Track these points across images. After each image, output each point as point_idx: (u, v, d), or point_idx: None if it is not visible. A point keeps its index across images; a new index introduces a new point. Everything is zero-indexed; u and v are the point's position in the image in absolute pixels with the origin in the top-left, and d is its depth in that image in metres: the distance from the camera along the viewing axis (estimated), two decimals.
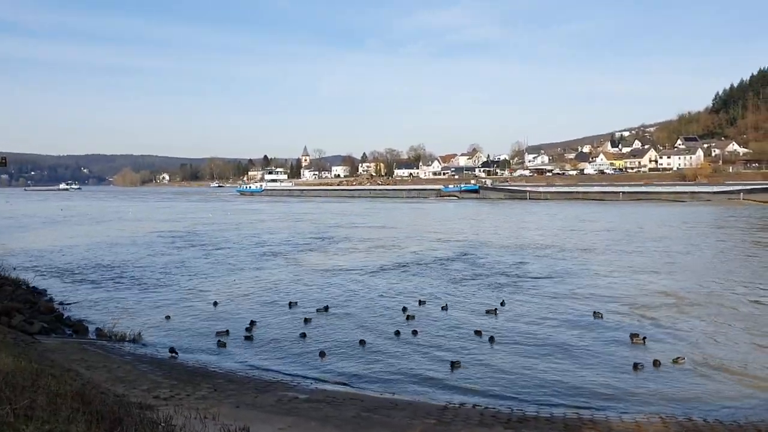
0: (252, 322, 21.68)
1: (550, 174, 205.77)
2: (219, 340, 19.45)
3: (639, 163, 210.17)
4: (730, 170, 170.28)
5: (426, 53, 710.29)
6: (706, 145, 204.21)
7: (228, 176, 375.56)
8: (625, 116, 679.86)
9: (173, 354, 18.17)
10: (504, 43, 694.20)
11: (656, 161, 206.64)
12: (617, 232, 55.03)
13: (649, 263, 35.97)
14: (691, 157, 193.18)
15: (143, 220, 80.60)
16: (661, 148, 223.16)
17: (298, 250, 44.28)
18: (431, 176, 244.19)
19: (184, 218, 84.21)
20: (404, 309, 23.31)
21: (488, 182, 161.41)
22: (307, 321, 21.89)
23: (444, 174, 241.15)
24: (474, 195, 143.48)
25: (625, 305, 24.10)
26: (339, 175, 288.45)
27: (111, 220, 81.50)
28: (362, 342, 18.85)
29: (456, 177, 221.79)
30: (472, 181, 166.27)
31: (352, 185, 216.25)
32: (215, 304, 25.12)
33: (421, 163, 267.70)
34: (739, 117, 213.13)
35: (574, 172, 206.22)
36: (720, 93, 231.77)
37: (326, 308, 24.10)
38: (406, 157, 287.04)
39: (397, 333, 19.93)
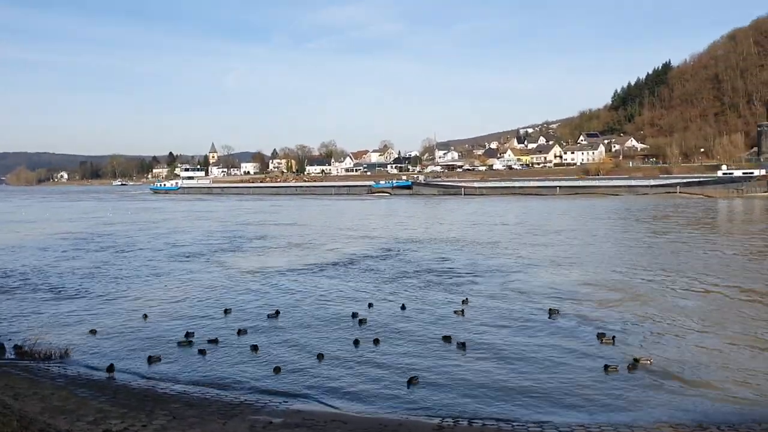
0: (188, 333, 19.85)
1: (461, 170, 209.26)
2: (150, 356, 17.54)
3: (545, 158, 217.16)
4: (630, 165, 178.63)
5: (333, 49, 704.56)
6: (606, 141, 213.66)
7: (131, 174, 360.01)
8: (530, 113, 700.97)
9: (112, 374, 16.22)
10: (408, 40, 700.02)
11: (561, 157, 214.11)
12: (553, 225, 55.88)
13: (588, 255, 36.39)
14: (593, 153, 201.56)
15: (46, 222, 74.98)
16: (565, 144, 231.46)
17: (226, 252, 42.07)
18: (344, 173, 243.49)
19: (89, 218, 79.03)
20: (354, 314, 21.88)
21: (421, 178, 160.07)
22: (249, 331, 20.26)
23: (356, 170, 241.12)
24: (407, 191, 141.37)
25: (576, 300, 23.89)
26: (248, 172, 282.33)
27: (8, 222, 75.36)
28: (320, 356, 17.30)
29: (368, 173, 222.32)
30: (404, 177, 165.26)
31: (276, 182, 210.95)
32: (145, 316, 22.69)
33: (333, 160, 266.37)
34: (636, 114, 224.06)
35: (484, 168, 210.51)
36: (618, 91, 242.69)
37: (277, 313, 22.58)
38: (317, 153, 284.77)
39: (356, 342, 18.57)
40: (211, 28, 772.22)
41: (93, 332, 20.68)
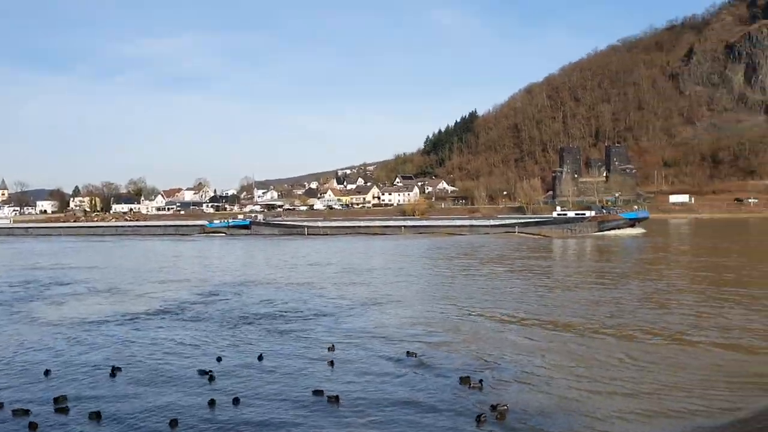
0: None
1: (281, 209, 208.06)
2: None
3: (364, 198, 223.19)
4: (442, 206, 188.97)
5: (145, 83, 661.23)
6: (420, 183, 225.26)
7: None
8: (348, 155, 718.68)
9: None
10: (227, 77, 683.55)
11: (379, 197, 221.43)
12: (400, 265, 56.13)
13: (434, 293, 36.88)
14: (409, 194, 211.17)
15: None
16: (382, 185, 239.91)
17: (31, 300, 36.99)
18: (155, 211, 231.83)
19: None
20: (204, 372, 19.59)
21: (260, 217, 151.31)
22: (83, 395, 17.47)
23: (169, 209, 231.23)
24: (244, 231, 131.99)
25: (431, 342, 23.59)
26: (45, 211, 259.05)
27: None
28: (173, 422, 15.20)
29: (182, 212, 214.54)
30: (240, 216, 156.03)
31: (93, 221, 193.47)
32: None
33: (143, 198, 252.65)
34: (446, 158, 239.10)
35: (305, 208, 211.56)
36: (431, 136, 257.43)
37: (114, 371, 19.87)
38: (125, 191, 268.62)
39: (212, 403, 16.55)
40: (3, 54, 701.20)
41: None
